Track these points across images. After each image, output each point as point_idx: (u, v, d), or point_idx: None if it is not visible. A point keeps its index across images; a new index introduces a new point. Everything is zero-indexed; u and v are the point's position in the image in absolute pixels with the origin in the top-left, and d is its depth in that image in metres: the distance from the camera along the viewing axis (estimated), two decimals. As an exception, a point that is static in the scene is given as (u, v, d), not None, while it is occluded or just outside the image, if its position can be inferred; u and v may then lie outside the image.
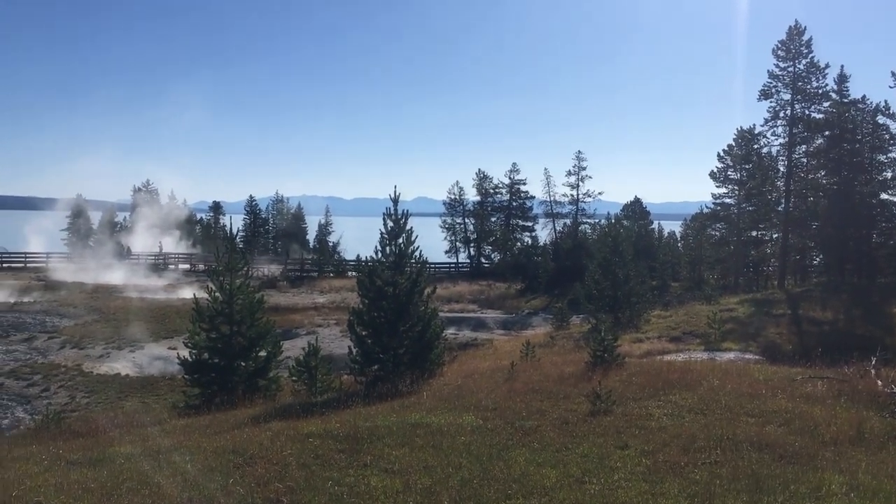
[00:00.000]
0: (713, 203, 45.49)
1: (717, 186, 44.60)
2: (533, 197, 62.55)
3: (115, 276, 51.19)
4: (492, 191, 63.45)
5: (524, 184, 62.95)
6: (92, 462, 8.87)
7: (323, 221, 75.87)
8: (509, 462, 8.17)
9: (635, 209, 58.62)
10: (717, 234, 47.04)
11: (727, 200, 44.63)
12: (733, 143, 44.15)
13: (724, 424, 9.65)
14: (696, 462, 8.05)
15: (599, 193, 55.89)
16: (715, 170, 44.37)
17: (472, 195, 64.10)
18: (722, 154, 44.30)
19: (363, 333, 15.81)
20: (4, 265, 56.38)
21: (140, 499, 6.90)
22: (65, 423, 15.72)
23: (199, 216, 78.23)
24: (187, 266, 58.43)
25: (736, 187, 43.83)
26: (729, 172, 44.08)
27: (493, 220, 64.01)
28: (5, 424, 20.50)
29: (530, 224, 63.06)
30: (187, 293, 36.93)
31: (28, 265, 56.28)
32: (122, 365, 26.36)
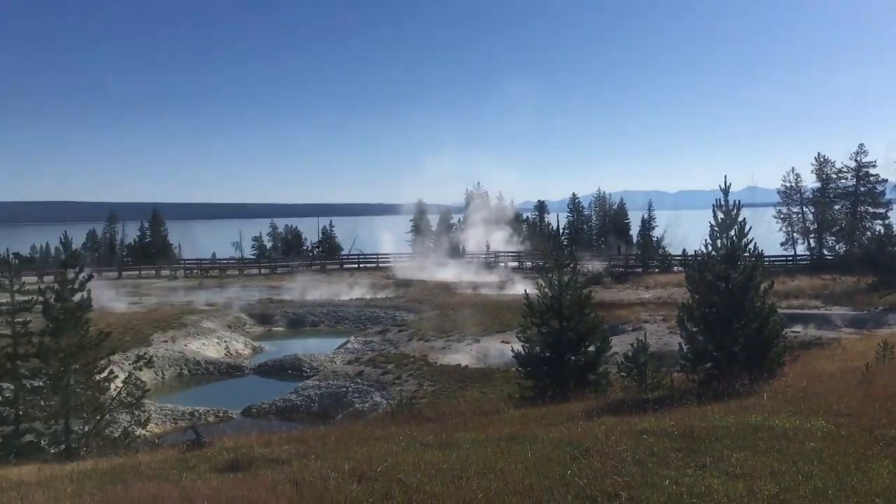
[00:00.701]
0: None
1: None
2: (885, 180, 55.57)
3: (450, 273, 55.37)
4: (834, 176, 57.53)
5: (873, 166, 55.98)
6: (441, 445, 9.63)
7: (646, 216, 74.71)
8: (870, 474, 7.33)
9: None
10: None
11: None
12: None
13: None
14: None
15: (974, 171, 48.12)
16: None
17: (809, 182, 58.68)
18: None
19: (694, 330, 15.28)
20: (361, 265, 64.19)
21: (486, 482, 7.35)
22: (415, 408, 17.36)
23: (524, 215, 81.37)
24: (515, 263, 61.12)
25: None
26: None
27: (836, 207, 58.00)
28: (366, 407, 23.24)
29: (882, 210, 56.05)
30: (517, 289, 38.74)
31: (379, 265, 63.36)
32: (461, 357, 28.40)
